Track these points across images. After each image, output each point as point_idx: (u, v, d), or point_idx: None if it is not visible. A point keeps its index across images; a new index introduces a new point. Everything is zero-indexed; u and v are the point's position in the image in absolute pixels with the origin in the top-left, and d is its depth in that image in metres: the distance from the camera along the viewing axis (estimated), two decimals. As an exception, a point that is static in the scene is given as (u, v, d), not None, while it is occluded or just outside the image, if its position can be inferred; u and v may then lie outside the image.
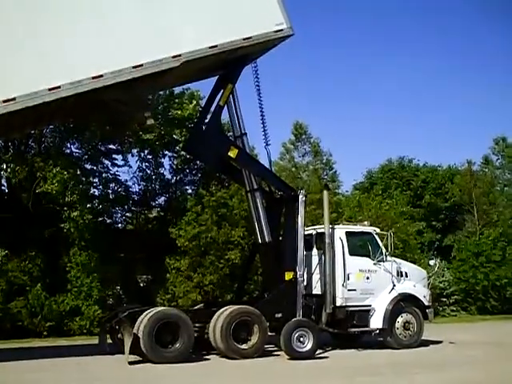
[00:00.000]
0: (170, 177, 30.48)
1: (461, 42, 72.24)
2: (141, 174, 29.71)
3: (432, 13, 72.81)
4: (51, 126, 26.42)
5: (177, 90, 27.76)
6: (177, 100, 27.67)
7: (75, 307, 24.58)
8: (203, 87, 28.55)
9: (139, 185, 30.00)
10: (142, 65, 16.15)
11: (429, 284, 20.01)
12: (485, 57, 72.60)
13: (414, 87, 76.24)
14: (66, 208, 25.69)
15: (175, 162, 29.78)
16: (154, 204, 30.97)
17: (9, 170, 26.56)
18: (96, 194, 28.67)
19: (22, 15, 15.25)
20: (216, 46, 17.19)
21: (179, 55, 16.60)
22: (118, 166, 28.67)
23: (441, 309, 34.19)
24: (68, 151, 28.54)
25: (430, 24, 73.48)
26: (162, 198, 31.04)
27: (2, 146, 26.48)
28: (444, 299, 34.81)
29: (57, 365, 15.78)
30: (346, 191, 41.27)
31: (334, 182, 38.29)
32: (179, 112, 27.22)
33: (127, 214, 30.64)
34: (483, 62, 72.29)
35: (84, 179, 26.89)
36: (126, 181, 29.39)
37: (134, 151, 28.93)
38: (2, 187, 28.48)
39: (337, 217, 27.15)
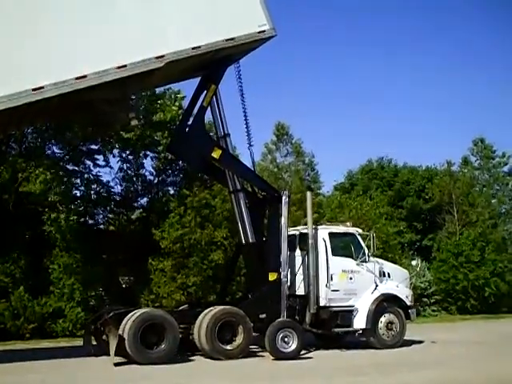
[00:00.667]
0: (151, 178, 30.38)
1: (442, 41, 72.73)
2: (122, 174, 29.61)
3: (421, 11, 73.26)
4: (32, 127, 26.27)
5: (158, 90, 27.73)
6: (159, 101, 27.65)
7: (58, 309, 24.45)
8: (186, 87, 28.47)
9: (121, 185, 29.85)
10: (125, 65, 16.13)
11: (411, 284, 20.18)
12: (466, 56, 73.24)
13: (394, 87, 76.77)
14: (47, 209, 25.55)
15: (157, 163, 29.72)
16: (136, 205, 30.83)
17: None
18: (78, 194, 28.53)
19: (4, 16, 15.17)
20: (199, 47, 17.21)
21: (163, 56, 16.60)
22: (100, 167, 28.57)
23: (422, 309, 34.49)
24: (49, 152, 28.47)
25: (410, 22, 73.91)
26: (144, 199, 30.90)
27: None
28: (425, 299, 35.17)
29: (41, 367, 15.69)
30: (327, 192, 41.55)
31: (316, 182, 38.49)
32: (161, 115, 27.20)
33: (109, 215, 30.42)
34: (464, 63, 72.99)
35: (66, 180, 26.71)
36: (108, 182, 29.26)
37: (116, 152, 28.85)
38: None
39: (318, 217, 27.23)
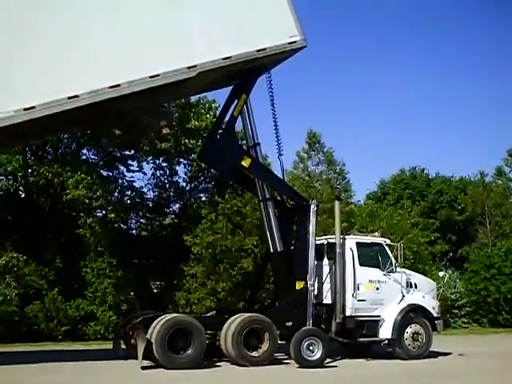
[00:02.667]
0: (184, 184, 30.89)
1: (477, 52, 72.08)
2: (155, 181, 30.13)
3: (447, 19, 72.77)
4: (68, 133, 26.87)
5: (193, 99, 28.16)
6: (193, 110, 28.04)
7: (90, 312, 25.00)
8: (219, 96, 28.82)
9: (154, 192, 30.46)
10: (158, 75, 16.43)
11: (438, 295, 20.12)
12: (500, 67, 72.39)
13: (427, 97, 76.19)
14: (82, 214, 26.09)
15: (189, 170, 30.14)
16: (168, 211, 31.33)
17: (29, 175, 26.93)
18: (112, 199, 29.00)
19: (44, 21, 15.63)
20: (230, 58, 17.43)
21: (195, 66, 16.85)
22: (133, 172, 29.13)
23: (452, 320, 34.18)
24: (84, 157, 29.08)
25: (445, 30, 73.40)
26: (176, 205, 31.45)
27: (21, 151, 26.86)
28: (456, 311, 34.77)
29: (71, 368, 16.08)
30: (359, 201, 41.46)
31: (347, 191, 38.38)
32: (196, 122, 27.60)
33: (141, 221, 30.98)
34: (499, 72, 72.15)
35: (104, 185, 27.27)
36: (141, 187, 29.86)
37: (149, 159, 29.33)
38: (20, 192, 28.93)
39: (348, 226, 27.30)
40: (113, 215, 27.79)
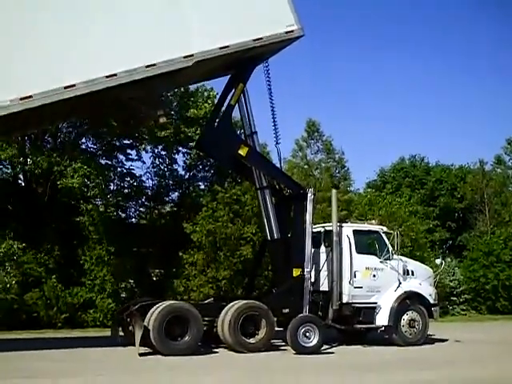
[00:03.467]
0: (183, 173, 31.03)
1: (476, 41, 72.04)
2: (154, 169, 30.24)
3: (446, 10, 72.68)
4: (67, 122, 26.93)
5: (191, 87, 28.20)
6: (192, 99, 28.07)
7: (89, 300, 25.17)
8: (216, 84, 28.83)
9: (153, 180, 30.59)
10: (154, 64, 16.49)
11: (435, 282, 20.22)
12: (499, 56, 72.37)
13: (426, 86, 76.20)
14: (82, 201, 26.20)
15: (188, 159, 30.23)
16: (167, 199, 31.45)
17: (28, 162, 27.03)
18: (111, 188, 29.14)
19: (40, 15, 15.67)
20: (227, 47, 17.48)
21: (191, 55, 16.90)
22: (132, 161, 29.26)
23: (451, 307, 34.41)
24: (83, 146, 29.17)
25: (442, 22, 73.30)
26: (176, 194, 31.55)
27: (19, 139, 26.95)
28: (454, 298, 34.99)
29: (70, 355, 16.24)
30: (358, 189, 41.57)
31: (346, 180, 38.48)
32: (195, 111, 27.64)
33: (141, 209, 31.14)
34: (497, 61, 72.16)
35: (102, 173, 27.35)
36: (140, 176, 30.00)
37: (148, 147, 29.42)
38: (19, 180, 29.04)
39: (347, 215, 27.41)
40: (112, 204, 27.92)
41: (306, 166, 36.25)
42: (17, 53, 15.34)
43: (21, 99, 15.01)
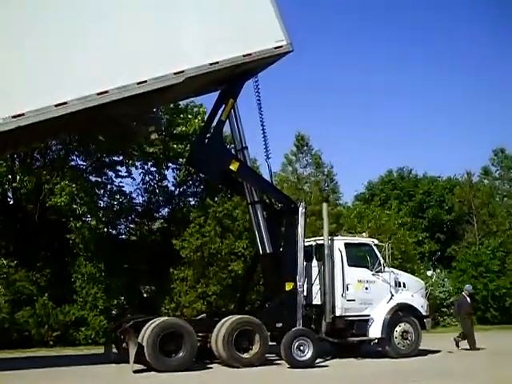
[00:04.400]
0: (173, 189, 31.00)
1: (462, 52, 72.78)
2: (144, 186, 30.23)
3: (433, 16, 73.41)
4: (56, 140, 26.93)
5: (181, 104, 28.28)
6: (181, 115, 28.16)
7: (81, 317, 25.03)
8: (205, 100, 28.92)
9: (143, 196, 30.54)
10: (146, 81, 16.56)
11: (427, 294, 20.36)
12: (486, 66, 73.12)
13: (414, 97, 76.78)
14: (72, 219, 26.14)
15: (178, 174, 30.25)
16: (157, 215, 31.43)
17: (17, 180, 26.98)
18: (101, 205, 29.07)
19: (31, 31, 15.72)
20: (218, 63, 17.56)
21: (182, 71, 16.97)
22: (122, 177, 29.22)
23: (441, 319, 34.47)
24: (73, 163, 29.13)
25: (430, 34, 74.07)
26: (166, 210, 31.54)
27: (9, 158, 26.89)
28: (444, 309, 35.06)
29: (64, 374, 16.16)
30: (346, 202, 41.76)
31: (335, 193, 38.67)
32: (184, 128, 27.71)
33: (131, 226, 31.06)
34: (484, 72, 72.89)
35: (90, 191, 27.32)
36: (130, 192, 29.95)
37: (138, 164, 29.43)
38: (8, 199, 28.96)
39: (337, 228, 27.51)
40: (102, 221, 27.87)
41: (295, 180, 36.39)
42: (8, 71, 15.33)
43: (13, 117, 15.02)
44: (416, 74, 74.61)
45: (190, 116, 28.47)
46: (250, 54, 18.10)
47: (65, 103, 15.58)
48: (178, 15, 17.54)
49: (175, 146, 28.12)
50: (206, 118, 23.41)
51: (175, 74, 16.91)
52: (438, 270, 35.33)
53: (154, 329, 15.99)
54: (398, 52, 75.26)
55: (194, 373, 15.92)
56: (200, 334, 16.98)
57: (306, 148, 37.87)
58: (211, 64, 17.47)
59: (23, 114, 15.10)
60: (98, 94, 15.97)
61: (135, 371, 15.66)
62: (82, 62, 16.02)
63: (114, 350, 17.95)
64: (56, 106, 15.47)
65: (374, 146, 72.71)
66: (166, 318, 17.79)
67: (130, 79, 16.39)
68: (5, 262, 24.68)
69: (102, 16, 16.65)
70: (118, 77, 16.27)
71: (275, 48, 18.61)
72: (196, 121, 28.04)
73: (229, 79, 19.04)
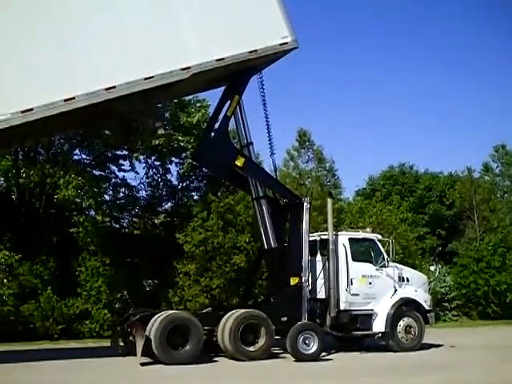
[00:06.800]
0: (176, 183, 31.13)
1: (462, 48, 72.75)
2: (148, 180, 30.34)
3: (433, 18, 73.47)
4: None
5: (185, 98, 28.32)
6: (185, 109, 28.23)
7: (85, 311, 25.22)
8: (209, 95, 28.99)
9: (146, 191, 30.65)
10: (153, 76, 16.71)
11: (429, 289, 20.51)
12: (486, 63, 73.16)
13: (416, 93, 76.83)
14: (76, 213, 26.28)
15: (182, 168, 30.36)
16: (160, 210, 31.52)
17: (23, 175, 27.07)
18: (105, 199, 29.19)
19: (40, 28, 15.87)
20: (223, 59, 17.67)
21: (188, 67, 17.12)
22: (125, 171, 29.38)
23: (442, 314, 34.62)
24: (76, 157, 29.26)
25: (431, 30, 74.06)
26: (169, 204, 31.65)
27: (13, 152, 27.00)
28: (445, 304, 35.27)
29: (71, 366, 16.30)
30: (348, 198, 41.88)
31: (337, 188, 38.71)
32: (188, 119, 27.78)
33: (134, 220, 31.18)
34: (485, 69, 72.92)
35: (95, 184, 27.42)
36: (134, 186, 30.06)
37: (141, 158, 29.55)
38: (12, 193, 29.07)
39: (338, 223, 27.62)
40: (105, 215, 27.99)
41: (297, 176, 36.45)
42: (17, 66, 15.50)
43: (21, 112, 15.17)
44: (417, 70, 74.64)
45: (193, 110, 28.52)
46: (255, 51, 18.17)
47: (73, 98, 15.73)
48: (184, 12, 17.65)
49: (179, 138, 28.12)
50: (210, 112, 23.46)
51: (182, 70, 17.03)
52: (439, 266, 35.41)
53: (162, 322, 16.15)
54: (400, 48, 75.23)
55: (201, 366, 16.04)
56: (206, 328, 17.09)
57: (307, 143, 37.92)
58: (217, 60, 17.59)
59: (31, 109, 15.27)
60: (106, 89, 16.11)
61: (142, 364, 15.81)
62: (90, 58, 16.18)
63: (121, 343, 18.06)
64: (64, 101, 15.62)
65: (375, 141, 72.72)
66: (174, 311, 17.94)
67: (138, 75, 16.53)
68: (9, 255, 24.76)
69: (111, 13, 16.82)
70: (126, 72, 16.42)
71: (280, 44, 18.65)
72: (199, 114, 28.06)
73: (234, 75, 19.08)
